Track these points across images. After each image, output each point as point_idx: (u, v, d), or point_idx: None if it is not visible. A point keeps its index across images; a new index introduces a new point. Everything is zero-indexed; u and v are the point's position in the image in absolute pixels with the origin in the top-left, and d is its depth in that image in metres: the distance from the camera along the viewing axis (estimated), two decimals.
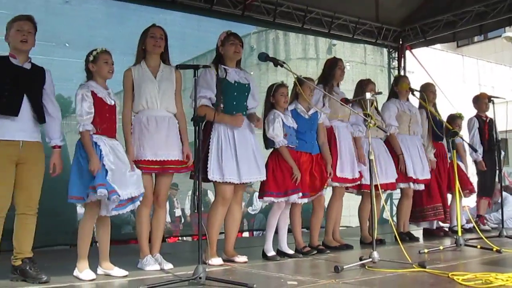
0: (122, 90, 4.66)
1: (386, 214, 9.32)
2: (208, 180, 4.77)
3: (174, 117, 4.76)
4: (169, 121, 4.71)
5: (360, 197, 6.57)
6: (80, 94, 4.24)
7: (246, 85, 5.06)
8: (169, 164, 4.65)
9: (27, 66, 4.15)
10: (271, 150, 5.34)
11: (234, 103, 4.92)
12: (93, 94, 4.27)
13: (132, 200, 4.32)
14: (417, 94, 6.78)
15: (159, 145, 4.59)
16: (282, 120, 5.24)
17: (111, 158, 4.21)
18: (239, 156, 4.82)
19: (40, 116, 4.14)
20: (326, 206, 6.08)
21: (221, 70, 4.91)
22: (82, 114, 4.19)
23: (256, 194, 5.91)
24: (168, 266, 4.60)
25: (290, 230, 5.50)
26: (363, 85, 6.35)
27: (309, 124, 5.57)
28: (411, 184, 6.61)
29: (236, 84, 4.96)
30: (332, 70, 6.02)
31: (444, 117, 7.15)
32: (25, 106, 4.05)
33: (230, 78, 4.93)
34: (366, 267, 4.52)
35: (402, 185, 6.62)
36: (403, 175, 6.52)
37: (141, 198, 4.39)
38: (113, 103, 4.40)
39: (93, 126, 4.22)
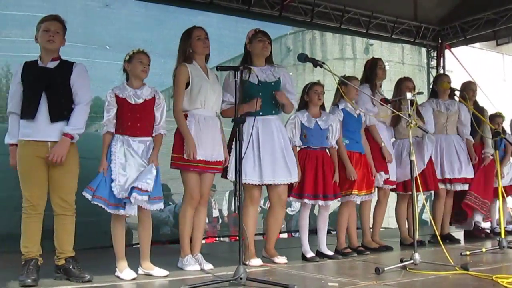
0: (165, 90, 4.68)
1: (425, 215, 9.22)
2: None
3: (218, 118, 4.83)
4: (218, 121, 4.81)
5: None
6: (106, 101, 4.38)
7: (273, 83, 5.02)
8: (218, 165, 4.73)
9: (52, 65, 4.17)
10: None
11: (260, 103, 4.89)
12: (116, 96, 4.35)
13: (137, 189, 4.16)
14: (458, 93, 6.67)
15: (214, 146, 4.67)
16: (301, 122, 5.22)
17: (122, 158, 4.26)
18: (262, 156, 4.81)
19: (57, 114, 4.10)
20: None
21: (244, 72, 4.89)
22: (104, 117, 4.34)
23: None
24: (208, 266, 4.62)
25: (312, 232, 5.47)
26: (400, 84, 6.30)
27: (358, 123, 5.59)
28: (440, 184, 6.48)
29: (260, 84, 4.93)
30: (373, 70, 6.01)
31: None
32: (43, 107, 4.06)
33: (253, 79, 4.90)
34: (407, 269, 4.47)
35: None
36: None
37: (146, 195, 4.21)
38: (140, 101, 4.38)
39: (113, 128, 4.33)
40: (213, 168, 4.72)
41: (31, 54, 4.22)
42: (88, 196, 4.17)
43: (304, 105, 5.33)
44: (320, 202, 5.14)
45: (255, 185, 4.85)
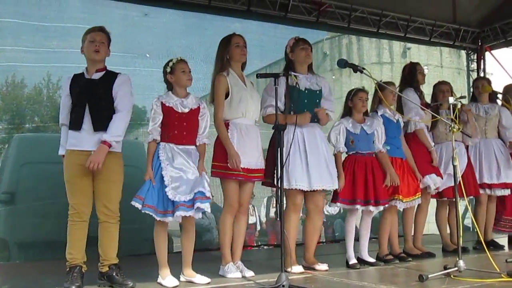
0: (202, 96, 4.71)
1: (466, 221, 9.06)
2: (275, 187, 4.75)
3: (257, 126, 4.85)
4: (257, 130, 4.82)
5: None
6: (151, 107, 4.41)
7: (318, 92, 5.02)
8: (258, 173, 4.73)
9: (96, 76, 4.22)
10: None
11: (305, 110, 4.88)
12: (162, 105, 4.36)
13: (199, 199, 4.18)
14: (500, 97, 6.56)
15: (255, 154, 4.69)
16: (346, 128, 5.20)
17: (171, 164, 4.26)
18: (310, 163, 4.79)
19: (99, 125, 4.14)
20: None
21: (291, 78, 4.90)
22: (150, 126, 4.36)
23: None
24: (250, 273, 4.61)
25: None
26: (439, 88, 6.21)
27: (398, 129, 5.53)
28: (480, 190, 6.36)
29: (306, 91, 4.93)
30: (414, 76, 5.93)
31: None
32: (87, 118, 4.13)
33: (301, 85, 4.91)
34: (452, 276, 4.39)
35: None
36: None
37: (208, 203, 4.24)
38: (187, 110, 4.41)
39: (159, 137, 4.34)
40: (255, 177, 4.74)
41: (72, 64, 4.30)
42: (138, 205, 4.17)
43: (348, 111, 5.31)
44: (371, 208, 5.11)
45: (299, 192, 4.83)
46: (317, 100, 5.02)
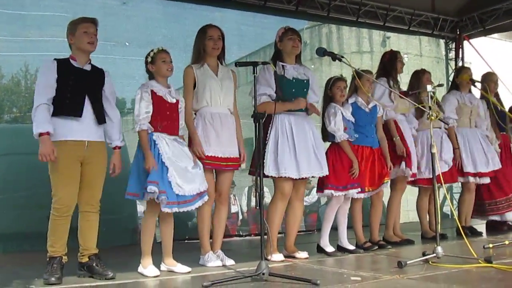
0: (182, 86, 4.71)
1: (445, 208, 9.16)
2: (265, 176, 4.74)
3: (231, 114, 4.82)
4: (230, 118, 4.79)
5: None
6: (139, 94, 4.31)
7: (305, 81, 5.03)
8: (232, 161, 4.73)
9: (87, 67, 4.23)
10: (329, 143, 5.31)
11: (293, 99, 4.89)
12: (153, 93, 4.31)
13: (200, 195, 4.35)
14: (478, 85, 6.62)
15: (224, 142, 4.66)
16: (342, 114, 5.21)
17: (171, 155, 4.24)
18: (298, 151, 4.80)
19: (101, 117, 4.21)
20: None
21: (279, 67, 4.91)
22: (139, 114, 4.25)
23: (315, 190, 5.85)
24: (230, 262, 4.63)
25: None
26: (419, 76, 6.24)
27: (370, 117, 5.52)
28: (470, 178, 6.46)
29: (294, 80, 4.94)
30: (393, 64, 5.95)
31: (505, 108, 6.94)
32: (87, 107, 4.13)
33: (288, 74, 4.92)
34: (430, 262, 4.44)
35: (462, 179, 6.48)
36: (460, 170, 6.39)
37: (206, 195, 4.42)
38: (174, 101, 4.42)
39: (150, 125, 4.26)
40: (229, 166, 4.73)
41: (51, 53, 4.23)
42: (155, 189, 4.07)
43: (327, 100, 5.32)
44: (362, 194, 5.23)
45: (288, 180, 4.83)
46: (305, 90, 5.03)
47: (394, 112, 5.77)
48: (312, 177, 5.13)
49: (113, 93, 4.39)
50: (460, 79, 6.62)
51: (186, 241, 6.71)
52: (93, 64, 4.29)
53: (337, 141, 5.18)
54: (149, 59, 4.39)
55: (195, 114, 4.74)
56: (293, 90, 4.92)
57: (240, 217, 9.65)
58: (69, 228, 4.09)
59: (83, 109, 4.10)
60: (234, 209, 9.59)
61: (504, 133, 7.03)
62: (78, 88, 4.12)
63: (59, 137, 4.02)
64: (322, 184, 5.17)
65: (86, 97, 4.13)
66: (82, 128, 4.10)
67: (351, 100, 5.48)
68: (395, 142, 5.75)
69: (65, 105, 4.06)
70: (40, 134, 3.91)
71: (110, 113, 4.31)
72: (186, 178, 4.23)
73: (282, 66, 4.93)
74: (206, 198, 4.42)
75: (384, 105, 5.67)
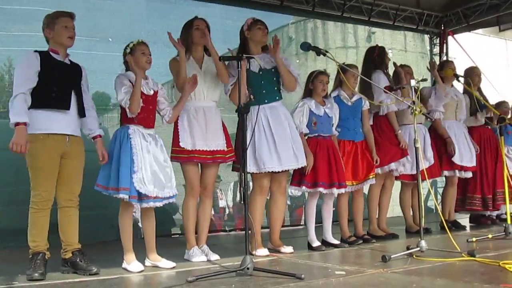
0: (167, 81, 4.69)
1: (430, 203, 9.21)
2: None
3: (216, 106, 4.81)
4: (215, 111, 4.78)
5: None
6: (118, 81, 4.31)
7: (273, 69, 4.99)
8: (218, 154, 4.71)
9: (67, 61, 4.23)
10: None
11: (264, 91, 4.87)
12: (131, 83, 4.31)
13: (168, 198, 4.34)
14: (462, 80, 6.66)
15: (209, 136, 4.65)
16: (310, 109, 5.20)
17: (145, 152, 4.25)
18: (277, 143, 4.80)
19: (82, 110, 4.22)
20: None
21: (254, 61, 4.86)
22: (123, 98, 4.24)
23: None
24: (215, 257, 4.63)
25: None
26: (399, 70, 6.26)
27: (352, 111, 5.54)
28: (457, 172, 6.51)
29: (261, 72, 4.90)
30: (383, 58, 5.99)
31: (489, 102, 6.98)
32: (72, 101, 4.13)
33: (253, 67, 4.85)
34: (414, 256, 4.48)
35: (447, 173, 6.53)
36: (448, 163, 6.43)
37: (174, 199, 4.43)
38: (152, 92, 4.41)
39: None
40: (214, 158, 4.71)
41: (34, 48, 4.18)
42: (126, 196, 4.15)
43: (308, 93, 5.32)
44: (335, 190, 5.13)
45: (266, 174, 4.83)
46: (274, 78, 5.01)
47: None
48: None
49: (88, 87, 4.39)
50: (444, 73, 6.65)
51: (172, 236, 6.70)
52: (70, 59, 4.28)
53: (298, 131, 5.11)
54: (128, 50, 4.38)
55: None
56: (262, 82, 4.87)
57: (227, 211, 9.65)
58: (49, 222, 4.07)
59: (70, 102, 4.10)
60: (221, 203, 9.58)
61: (488, 127, 7.07)
62: (64, 81, 4.10)
63: (42, 130, 4.00)
64: (298, 178, 5.15)
65: (72, 92, 4.13)
66: (67, 122, 4.08)
67: (333, 94, 5.51)
68: (397, 135, 5.80)
69: (52, 98, 4.04)
70: (17, 124, 3.86)
71: (88, 105, 4.30)
72: (155, 181, 4.23)
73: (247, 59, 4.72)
74: (173, 200, 4.41)
75: (386, 101, 5.70)
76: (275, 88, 5.01)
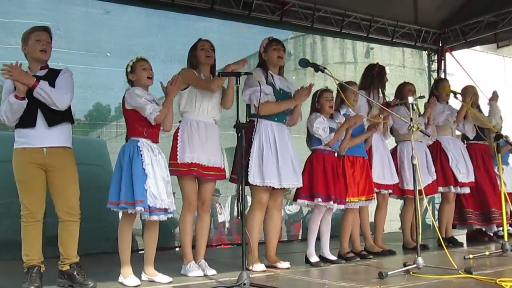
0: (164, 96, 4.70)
1: (428, 219, 9.19)
2: (247, 184, 4.73)
3: (215, 124, 4.85)
4: (215, 128, 4.82)
5: (401, 202, 6.49)
6: (133, 93, 4.28)
7: (289, 94, 5.05)
8: (215, 171, 4.72)
9: (41, 73, 4.17)
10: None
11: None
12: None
13: (165, 210, 4.29)
14: (459, 97, 6.68)
15: (208, 150, 4.66)
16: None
17: (155, 165, 4.24)
18: (280, 160, 4.82)
19: (52, 119, 4.12)
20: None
21: (269, 76, 4.92)
22: (145, 105, 4.23)
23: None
24: (212, 272, 4.61)
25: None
26: (401, 88, 6.31)
27: (361, 127, 5.60)
28: (452, 187, 6.50)
29: (281, 91, 4.97)
30: (382, 78, 6.03)
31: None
32: (40, 115, 4.09)
33: (276, 84, 4.94)
34: (411, 273, 4.45)
35: (442, 189, 6.52)
36: (442, 179, 6.43)
37: (172, 214, 4.40)
38: (159, 108, 4.42)
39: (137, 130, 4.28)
40: (212, 175, 4.72)
41: None
42: (141, 209, 4.12)
43: (315, 111, 5.32)
44: (332, 204, 5.12)
45: (266, 189, 4.84)
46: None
47: None
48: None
49: (65, 82, 4.20)
50: (440, 91, 6.68)
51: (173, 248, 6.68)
52: (51, 68, 4.24)
53: (324, 143, 5.16)
54: (129, 69, 4.40)
55: (181, 116, 4.75)
56: (279, 101, 4.94)
57: (227, 225, 9.65)
58: (41, 235, 4.06)
59: (36, 119, 4.07)
60: (221, 218, 9.58)
61: (486, 143, 7.08)
62: (32, 98, 4.03)
63: (18, 145, 4.07)
64: (306, 192, 5.14)
65: (38, 104, 4.07)
66: (38, 136, 4.07)
67: (342, 111, 5.52)
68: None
69: (21, 117, 4.06)
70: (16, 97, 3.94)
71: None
72: (158, 191, 4.21)
73: (271, 74, 4.94)
74: (170, 216, 4.37)
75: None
76: (285, 112, 5.05)
